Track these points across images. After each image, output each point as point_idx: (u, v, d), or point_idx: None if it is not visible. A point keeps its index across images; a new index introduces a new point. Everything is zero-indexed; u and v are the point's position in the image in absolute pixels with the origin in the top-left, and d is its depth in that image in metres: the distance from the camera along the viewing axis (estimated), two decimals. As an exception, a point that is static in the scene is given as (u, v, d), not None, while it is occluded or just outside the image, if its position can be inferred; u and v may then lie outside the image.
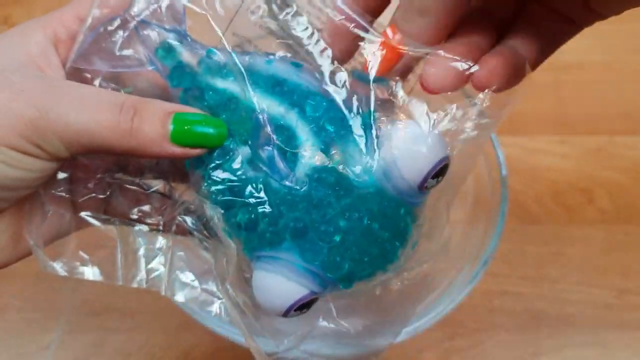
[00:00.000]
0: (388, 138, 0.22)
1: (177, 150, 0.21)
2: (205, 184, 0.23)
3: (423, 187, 0.21)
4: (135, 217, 0.25)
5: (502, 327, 0.43)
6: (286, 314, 0.23)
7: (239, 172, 0.22)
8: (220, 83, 0.23)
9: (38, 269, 0.46)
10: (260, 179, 0.22)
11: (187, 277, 0.27)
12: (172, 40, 0.23)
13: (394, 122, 0.22)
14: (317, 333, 0.30)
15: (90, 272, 0.25)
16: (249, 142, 0.22)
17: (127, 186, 0.25)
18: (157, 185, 0.26)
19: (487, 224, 0.35)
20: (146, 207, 0.25)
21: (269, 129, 0.22)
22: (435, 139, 0.21)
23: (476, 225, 0.37)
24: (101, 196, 0.25)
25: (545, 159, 0.49)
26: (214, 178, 0.22)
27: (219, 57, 0.23)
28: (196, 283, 0.28)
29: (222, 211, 0.23)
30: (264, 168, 0.22)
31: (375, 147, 0.22)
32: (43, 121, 0.19)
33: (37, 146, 0.20)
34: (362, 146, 0.22)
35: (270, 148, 0.22)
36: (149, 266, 0.26)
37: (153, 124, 0.20)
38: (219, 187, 0.22)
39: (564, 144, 0.49)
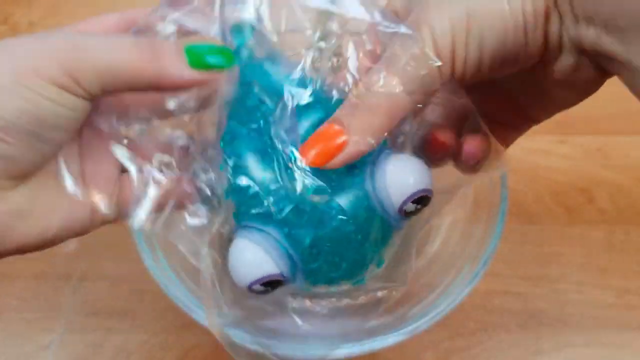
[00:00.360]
0: (386, 163, 0.24)
1: (196, 75, 0.22)
2: (222, 144, 0.24)
3: (403, 211, 0.24)
4: (156, 164, 0.26)
5: (502, 327, 0.43)
6: (252, 285, 0.24)
7: (257, 144, 0.24)
8: (263, 88, 0.25)
9: (39, 270, 0.46)
10: (276, 155, 0.23)
11: (185, 223, 0.28)
12: (248, 24, 0.24)
13: (392, 152, 0.25)
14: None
15: (102, 204, 0.26)
16: (274, 122, 0.24)
17: (153, 134, 0.26)
18: (181, 137, 0.27)
19: (486, 224, 0.35)
20: (166, 157, 0.26)
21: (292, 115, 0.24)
22: (422, 172, 0.24)
23: (476, 225, 0.37)
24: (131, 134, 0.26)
25: (545, 159, 0.49)
26: (234, 142, 0.24)
27: (274, 67, 0.25)
28: (190, 233, 0.28)
29: (231, 172, 0.24)
30: (280, 146, 0.23)
31: (373, 170, 0.24)
32: (79, 53, 0.21)
33: (75, 81, 0.21)
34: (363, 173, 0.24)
35: (293, 134, 0.24)
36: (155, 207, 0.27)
37: (171, 53, 0.22)
38: (236, 150, 0.24)
39: (564, 144, 0.49)
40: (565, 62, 0.23)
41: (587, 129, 0.50)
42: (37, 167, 0.23)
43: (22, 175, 0.22)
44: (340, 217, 0.23)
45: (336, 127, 0.22)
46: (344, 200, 0.23)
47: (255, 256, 0.24)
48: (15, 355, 0.43)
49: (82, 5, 0.60)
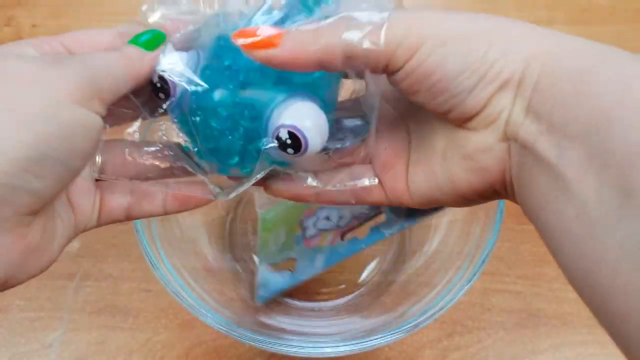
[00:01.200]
0: (300, 100, 0.25)
1: (151, 55, 0.24)
2: None
3: (277, 132, 0.24)
4: None
5: (500, 326, 0.44)
6: (156, 72, 0.25)
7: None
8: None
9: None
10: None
11: None
12: None
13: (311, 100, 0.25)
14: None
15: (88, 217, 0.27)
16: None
17: None
18: None
19: (484, 223, 0.36)
20: None
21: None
22: (318, 123, 0.24)
23: (474, 225, 0.37)
24: None
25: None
26: None
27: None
28: None
29: None
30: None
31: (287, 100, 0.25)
32: (95, 73, 0.22)
33: (99, 100, 0.22)
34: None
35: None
36: None
37: (134, 50, 0.24)
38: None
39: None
40: (483, 137, 0.23)
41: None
42: (54, 199, 0.22)
43: (40, 210, 0.22)
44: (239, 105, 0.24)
45: (277, 31, 0.23)
46: (251, 94, 0.24)
47: (178, 57, 0.25)
48: (19, 354, 0.43)
49: (84, 7, 0.60)
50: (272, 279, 0.40)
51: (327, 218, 0.39)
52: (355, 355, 0.36)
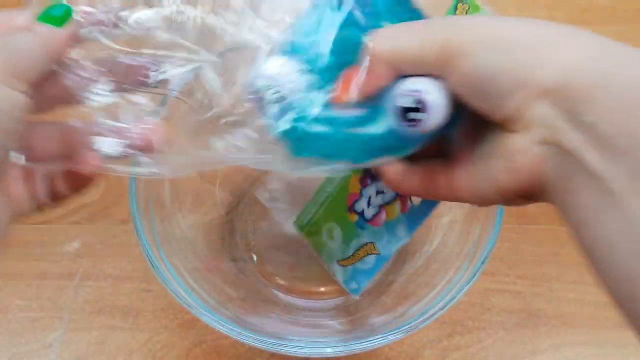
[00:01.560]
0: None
1: (63, 33, 0.24)
2: None
3: (399, 104, 0.24)
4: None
5: (500, 326, 0.44)
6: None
7: None
8: None
9: (42, 269, 0.46)
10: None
11: None
12: None
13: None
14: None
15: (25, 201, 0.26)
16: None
17: None
18: None
19: (484, 223, 0.36)
20: None
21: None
22: (444, 95, 0.24)
23: (474, 225, 0.37)
24: None
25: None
26: None
27: None
28: None
29: None
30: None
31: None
32: (12, 54, 0.22)
33: (21, 80, 0.22)
34: None
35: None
36: None
37: (41, 25, 0.24)
38: None
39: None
40: (521, 139, 0.22)
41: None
42: None
43: None
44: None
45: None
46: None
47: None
48: (19, 354, 0.43)
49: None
50: (358, 269, 0.40)
51: (381, 192, 0.38)
52: (356, 355, 0.37)
